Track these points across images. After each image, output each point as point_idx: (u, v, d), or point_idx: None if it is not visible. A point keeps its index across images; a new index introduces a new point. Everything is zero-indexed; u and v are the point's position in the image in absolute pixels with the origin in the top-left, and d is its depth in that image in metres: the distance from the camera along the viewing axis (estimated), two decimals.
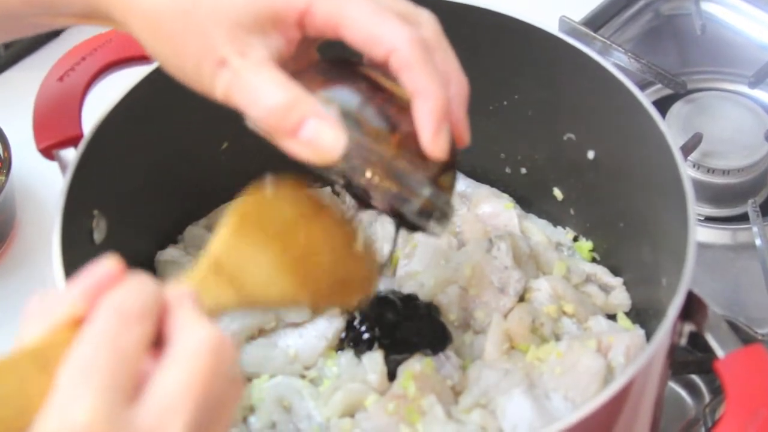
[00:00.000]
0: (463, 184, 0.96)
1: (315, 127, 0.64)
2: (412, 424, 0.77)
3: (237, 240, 0.63)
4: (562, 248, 0.93)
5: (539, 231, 0.93)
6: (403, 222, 0.72)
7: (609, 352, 0.81)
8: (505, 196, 0.95)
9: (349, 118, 0.66)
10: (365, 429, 0.77)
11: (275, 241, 0.65)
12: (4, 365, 0.49)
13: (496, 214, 0.93)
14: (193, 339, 0.51)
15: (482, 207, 0.94)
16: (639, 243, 0.86)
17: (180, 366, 0.50)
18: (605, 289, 0.90)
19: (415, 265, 0.87)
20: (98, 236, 0.80)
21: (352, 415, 0.79)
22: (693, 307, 0.71)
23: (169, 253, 0.89)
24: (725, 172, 1.08)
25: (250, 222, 0.65)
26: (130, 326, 0.50)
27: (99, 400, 0.48)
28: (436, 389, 0.79)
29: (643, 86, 1.16)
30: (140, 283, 0.52)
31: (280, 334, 0.85)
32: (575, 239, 0.94)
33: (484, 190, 0.95)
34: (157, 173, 0.87)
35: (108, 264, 0.53)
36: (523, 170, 0.95)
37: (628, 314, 0.88)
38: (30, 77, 0.93)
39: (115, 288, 0.52)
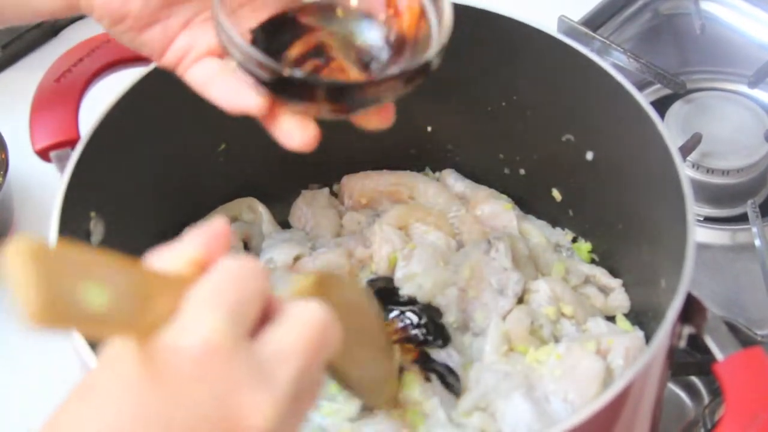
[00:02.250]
0: (461, 185, 0.95)
1: None
2: (414, 427, 0.77)
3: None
4: (560, 249, 0.93)
5: (538, 232, 0.92)
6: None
7: (608, 354, 0.81)
8: (504, 196, 0.95)
9: None
10: None
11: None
12: (137, 277, 0.50)
13: (495, 215, 0.93)
14: (309, 310, 0.53)
15: (481, 208, 0.93)
16: (638, 244, 0.85)
17: (294, 326, 0.52)
18: (604, 290, 0.89)
19: (414, 266, 0.87)
20: (95, 238, 0.80)
21: (352, 420, 0.79)
22: (692, 310, 0.71)
23: None
24: (724, 173, 1.08)
25: (321, 289, 0.63)
26: (249, 278, 0.52)
27: (225, 322, 0.50)
28: (438, 392, 0.79)
29: (642, 86, 1.16)
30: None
31: None
32: (574, 240, 0.94)
33: (483, 191, 0.95)
34: (154, 175, 0.87)
35: (219, 224, 0.55)
36: (522, 171, 0.95)
37: (627, 316, 0.88)
38: (27, 78, 0.92)
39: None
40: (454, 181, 0.96)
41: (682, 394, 0.94)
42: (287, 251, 0.89)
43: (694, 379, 0.94)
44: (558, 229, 0.94)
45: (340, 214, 0.95)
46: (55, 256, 0.47)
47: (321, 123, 0.94)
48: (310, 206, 0.95)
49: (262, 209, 0.94)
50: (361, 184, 0.95)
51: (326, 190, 0.96)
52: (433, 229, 0.90)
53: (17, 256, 0.46)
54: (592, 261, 0.92)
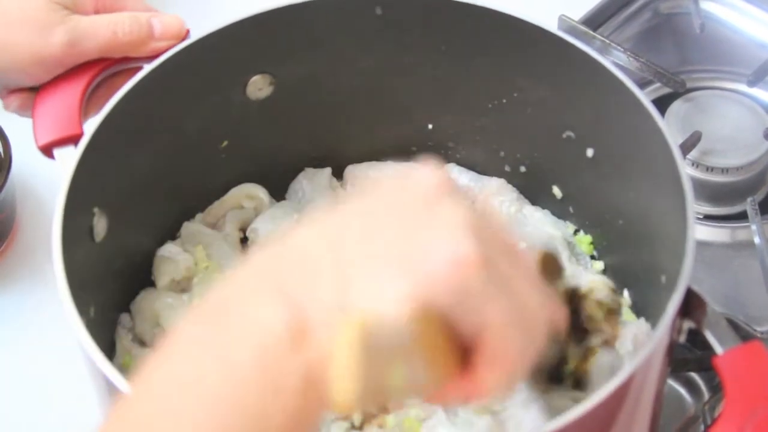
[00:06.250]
0: (466, 177, 0.96)
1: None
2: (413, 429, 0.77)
3: None
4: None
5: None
6: None
7: (616, 342, 0.81)
8: (510, 186, 0.95)
9: None
10: None
11: None
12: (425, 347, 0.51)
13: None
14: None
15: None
16: (638, 240, 0.86)
17: None
18: None
19: None
20: (98, 234, 0.80)
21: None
22: (692, 304, 0.71)
23: (167, 249, 0.89)
24: (724, 171, 1.08)
25: None
26: None
27: None
28: None
29: (642, 85, 1.16)
30: None
31: None
32: (575, 233, 0.94)
33: (491, 181, 0.95)
34: (157, 171, 0.87)
35: None
36: (523, 168, 0.95)
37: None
38: None
39: None
40: (458, 173, 0.96)
41: (682, 391, 0.94)
42: (272, 222, 0.90)
43: (694, 375, 0.94)
44: (560, 222, 0.94)
45: (337, 197, 0.95)
46: (373, 341, 0.48)
47: (322, 123, 0.95)
48: (311, 182, 0.95)
49: (263, 194, 0.94)
50: (364, 174, 0.95)
51: (328, 169, 0.96)
52: None
53: (346, 346, 0.48)
54: (592, 257, 0.93)
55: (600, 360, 0.78)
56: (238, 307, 0.51)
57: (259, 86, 0.90)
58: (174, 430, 0.48)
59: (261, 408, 0.48)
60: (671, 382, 0.94)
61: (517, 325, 0.52)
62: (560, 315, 0.57)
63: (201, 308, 0.53)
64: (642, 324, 0.83)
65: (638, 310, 0.88)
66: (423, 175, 0.56)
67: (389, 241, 0.52)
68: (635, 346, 0.81)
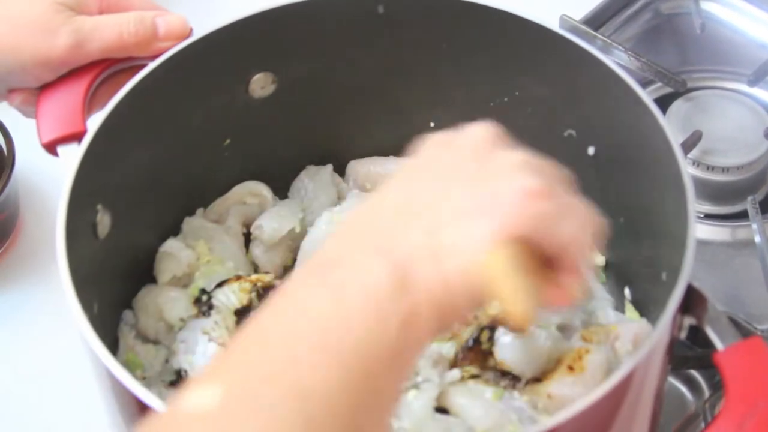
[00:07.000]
0: None
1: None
2: None
3: None
4: None
5: None
6: None
7: (617, 341, 0.81)
8: None
9: None
10: None
11: None
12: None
13: None
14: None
15: None
16: (639, 238, 0.86)
17: None
18: None
19: None
20: (102, 231, 0.81)
21: None
22: (693, 301, 0.71)
23: (169, 245, 0.89)
24: (725, 170, 1.08)
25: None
26: None
27: None
28: None
29: (643, 85, 1.14)
30: None
31: None
32: None
33: None
34: (160, 168, 0.87)
35: None
36: None
37: None
38: None
39: None
40: None
41: (683, 388, 0.95)
42: (277, 220, 0.90)
43: (695, 373, 0.95)
44: None
45: (339, 193, 0.95)
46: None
47: (324, 122, 0.96)
48: (312, 179, 0.95)
49: (266, 192, 0.94)
50: (366, 169, 0.96)
51: (330, 166, 0.96)
52: None
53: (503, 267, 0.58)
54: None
55: (596, 356, 0.79)
56: (344, 262, 0.59)
57: (261, 84, 0.91)
58: (290, 350, 0.56)
59: (366, 340, 0.56)
60: (672, 380, 0.94)
61: (583, 236, 0.62)
62: (601, 221, 0.65)
63: (311, 265, 0.61)
64: (643, 324, 0.83)
65: (639, 307, 0.88)
66: (474, 130, 0.67)
67: (461, 190, 0.61)
68: (635, 345, 0.81)
